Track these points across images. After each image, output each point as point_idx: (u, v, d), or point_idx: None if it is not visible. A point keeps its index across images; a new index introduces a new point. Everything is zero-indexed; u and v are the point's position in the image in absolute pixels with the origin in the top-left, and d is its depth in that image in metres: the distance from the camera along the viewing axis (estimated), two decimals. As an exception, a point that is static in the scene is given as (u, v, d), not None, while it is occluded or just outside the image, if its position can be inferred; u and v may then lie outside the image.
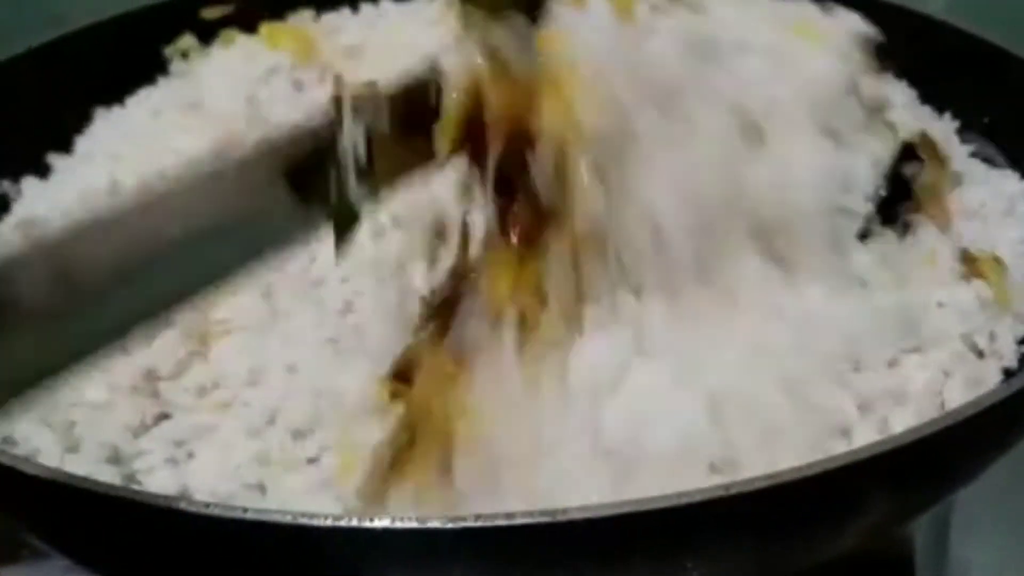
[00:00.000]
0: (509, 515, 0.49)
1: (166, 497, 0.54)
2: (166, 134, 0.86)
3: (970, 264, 0.74)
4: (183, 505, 0.49)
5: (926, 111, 0.90)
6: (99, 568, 0.64)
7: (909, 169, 0.76)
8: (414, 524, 0.49)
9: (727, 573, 0.57)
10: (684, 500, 0.49)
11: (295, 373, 0.65)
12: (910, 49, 0.92)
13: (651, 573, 0.53)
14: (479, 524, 0.49)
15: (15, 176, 0.88)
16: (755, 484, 0.50)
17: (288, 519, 0.49)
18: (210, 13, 1.00)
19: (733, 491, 0.49)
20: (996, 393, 0.58)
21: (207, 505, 0.49)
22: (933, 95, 0.91)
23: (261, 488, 0.60)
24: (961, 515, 0.87)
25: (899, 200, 0.75)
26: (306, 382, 0.64)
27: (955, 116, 0.89)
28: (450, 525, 0.49)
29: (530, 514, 0.49)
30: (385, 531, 0.48)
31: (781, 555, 0.58)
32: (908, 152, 0.77)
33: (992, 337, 0.72)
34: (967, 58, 0.89)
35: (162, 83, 0.95)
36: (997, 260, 0.75)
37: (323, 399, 0.63)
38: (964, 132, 0.88)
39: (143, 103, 0.92)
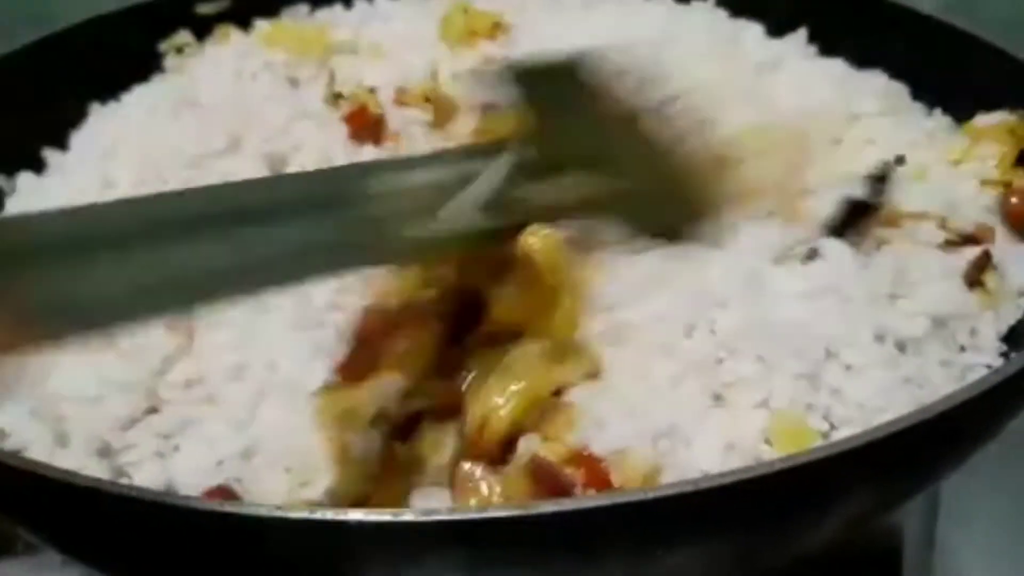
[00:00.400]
0: (481, 508, 0.49)
1: (139, 489, 0.55)
2: (160, 131, 0.87)
3: (975, 272, 0.75)
4: (155, 498, 0.50)
5: (918, 107, 0.90)
6: (86, 561, 0.65)
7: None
8: (387, 518, 0.49)
9: (702, 567, 0.58)
10: (651, 495, 0.50)
11: (276, 370, 0.66)
12: (902, 46, 0.93)
13: (623, 566, 0.53)
14: (453, 518, 0.50)
15: (10, 171, 0.89)
16: (723, 479, 0.50)
17: (264, 512, 0.50)
18: (205, 9, 1.01)
19: (702, 486, 0.50)
20: (971, 389, 0.58)
21: (176, 499, 0.50)
22: (924, 92, 0.91)
23: (242, 482, 0.61)
24: (949, 506, 0.87)
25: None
26: (287, 378, 0.65)
27: (946, 112, 0.89)
28: (424, 519, 0.50)
29: (503, 507, 0.49)
30: (359, 524, 0.49)
31: (756, 549, 0.58)
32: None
33: (973, 332, 0.72)
34: (959, 55, 0.90)
35: (157, 79, 0.96)
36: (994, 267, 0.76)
37: (302, 396, 0.64)
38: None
39: (138, 100, 0.93)
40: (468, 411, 0.62)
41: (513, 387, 0.62)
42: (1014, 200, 0.78)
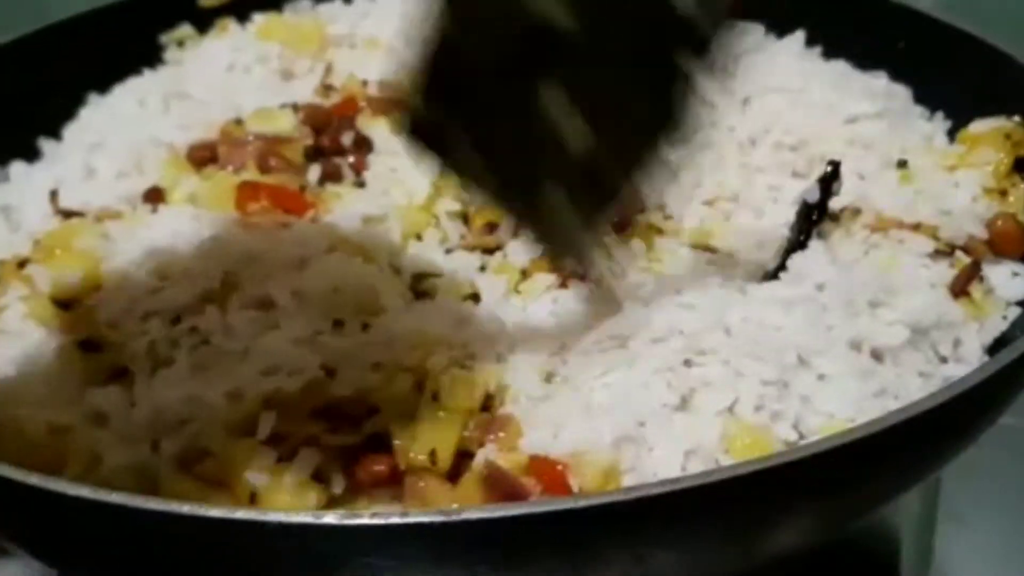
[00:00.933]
0: (403, 513, 0.48)
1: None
2: (149, 123, 0.87)
3: (963, 283, 0.73)
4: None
5: (918, 110, 0.88)
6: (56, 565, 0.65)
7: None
8: (309, 519, 0.49)
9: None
10: (582, 503, 0.48)
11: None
12: (904, 48, 0.91)
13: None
14: (374, 522, 0.49)
15: (4, 160, 0.89)
16: (654, 489, 0.49)
17: (186, 510, 0.49)
18: (207, 1, 1.00)
19: (632, 496, 0.48)
20: (906, 410, 0.55)
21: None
22: (927, 95, 0.89)
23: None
24: (947, 506, 0.86)
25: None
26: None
27: (947, 116, 0.87)
28: (346, 522, 0.49)
29: (424, 513, 0.48)
30: (280, 526, 0.48)
31: (703, 557, 0.56)
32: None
33: (956, 343, 0.70)
34: (961, 58, 0.87)
35: (152, 72, 0.96)
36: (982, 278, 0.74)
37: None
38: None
39: (131, 91, 0.93)
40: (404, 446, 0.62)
41: (441, 414, 0.63)
42: (999, 223, 0.75)
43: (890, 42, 0.91)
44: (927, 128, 0.85)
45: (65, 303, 0.71)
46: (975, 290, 0.72)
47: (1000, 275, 0.74)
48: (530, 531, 0.48)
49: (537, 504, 0.49)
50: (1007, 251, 0.75)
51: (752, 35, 0.93)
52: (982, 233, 0.75)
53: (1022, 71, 0.81)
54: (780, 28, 0.94)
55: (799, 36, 0.92)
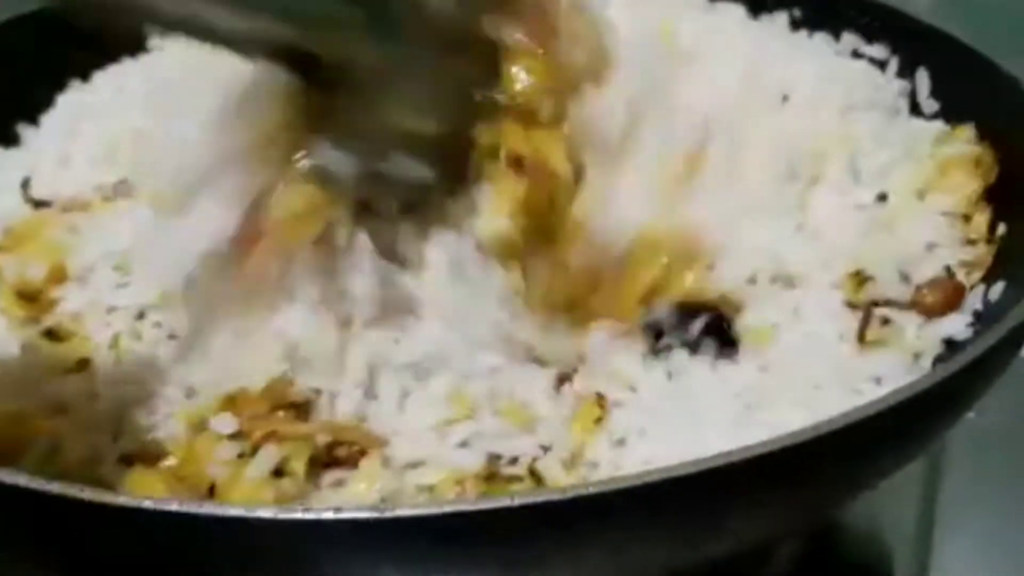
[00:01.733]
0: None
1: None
2: (126, 112, 0.86)
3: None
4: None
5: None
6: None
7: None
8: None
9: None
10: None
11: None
12: (899, 53, 0.90)
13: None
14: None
15: (-14, 144, 0.88)
16: (644, 478, 0.49)
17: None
18: (188, -11, 0.99)
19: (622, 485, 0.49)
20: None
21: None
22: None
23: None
24: (944, 510, 0.85)
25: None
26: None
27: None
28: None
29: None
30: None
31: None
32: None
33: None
34: (956, 64, 0.86)
35: (132, 60, 0.95)
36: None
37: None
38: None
39: (110, 79, 0.92)
40: None
41: None
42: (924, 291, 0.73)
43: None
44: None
45: (29, 294, 0.71)
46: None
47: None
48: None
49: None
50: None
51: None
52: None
53: (1007, 81, 0.80)
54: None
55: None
